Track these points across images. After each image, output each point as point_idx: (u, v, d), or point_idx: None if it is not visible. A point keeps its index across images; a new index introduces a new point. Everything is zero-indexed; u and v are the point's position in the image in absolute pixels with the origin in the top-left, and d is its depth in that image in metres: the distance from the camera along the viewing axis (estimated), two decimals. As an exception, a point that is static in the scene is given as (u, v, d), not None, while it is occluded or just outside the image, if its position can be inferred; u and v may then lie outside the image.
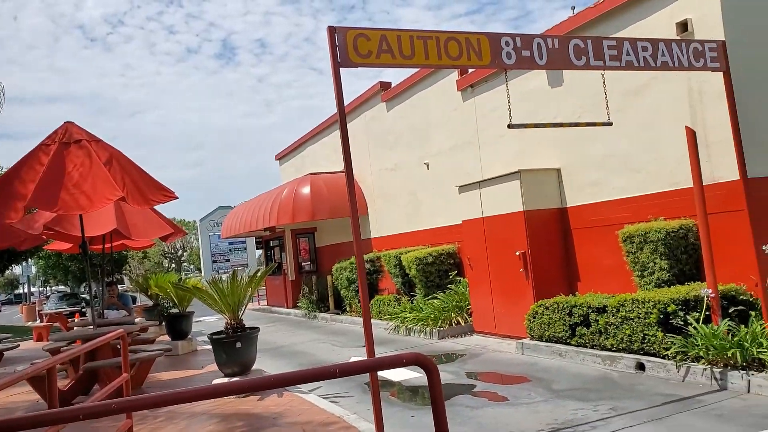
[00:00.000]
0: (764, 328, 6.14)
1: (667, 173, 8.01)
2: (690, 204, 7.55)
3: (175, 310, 12.58)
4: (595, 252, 9.12)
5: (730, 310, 6.57)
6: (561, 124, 7.01)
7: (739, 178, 6.69)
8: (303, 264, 20.00)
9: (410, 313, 11.64)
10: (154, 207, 9.69)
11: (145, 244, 14.96)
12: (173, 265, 58.19)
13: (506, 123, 10.54)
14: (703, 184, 7.38)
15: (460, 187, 10.93)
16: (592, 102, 9.10)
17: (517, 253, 9.42)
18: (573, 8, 10.23)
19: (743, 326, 6.31)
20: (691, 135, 6.62)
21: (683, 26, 7.58)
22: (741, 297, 6.75)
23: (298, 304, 18.40)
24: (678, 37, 7.57)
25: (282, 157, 23.05)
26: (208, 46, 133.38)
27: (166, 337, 12.36)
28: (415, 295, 12.71)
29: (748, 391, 5.62)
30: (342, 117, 5.17)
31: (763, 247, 6.63)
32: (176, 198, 7.76)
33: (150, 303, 15.03)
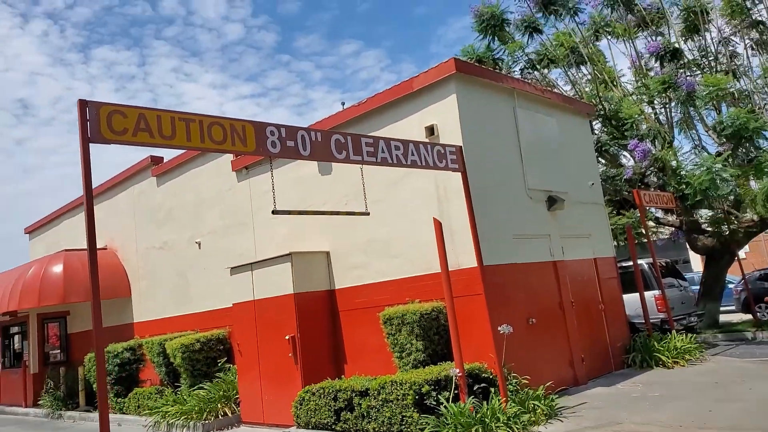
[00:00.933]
0: (501, 404, 6.79)
1: (422, 259, 8.70)
2: (441, 287, 8.26)
3: None
4: (361, 333, 9.39)
5: (475, 388, 7.17)
6: (323, 212, 7.30)
7: (476, 265, 7.49)
8: (51, 353, 17.19)
9: (172, 406, 10.59)
10: None
11: None
12: None
13: (281, 206, 10.74)
14: (450, 269, 8.21)
15: (232, 268, 10.57)
16: (356, 191, 9.63)
17: (287, 337, 9.27)
18: (343, 104, 10.97)
19: (486, 402, 6.92)
20: (438, 226, 7.32)
21: (431, 130, 8.57)
22: (483, 375, 7.44)
23: (40, 402, 15.61)
24: (427, 140, 8.51)
25: (33, 230, 20.10)
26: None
27: None
28: (180, 386, 11.65)
29: (488, 465, 6.07)
30: (89, 196, 4.75)
31: (498, 328, 7.45)
32: None
33: None
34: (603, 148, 14.67)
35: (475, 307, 7.92)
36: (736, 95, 14.95)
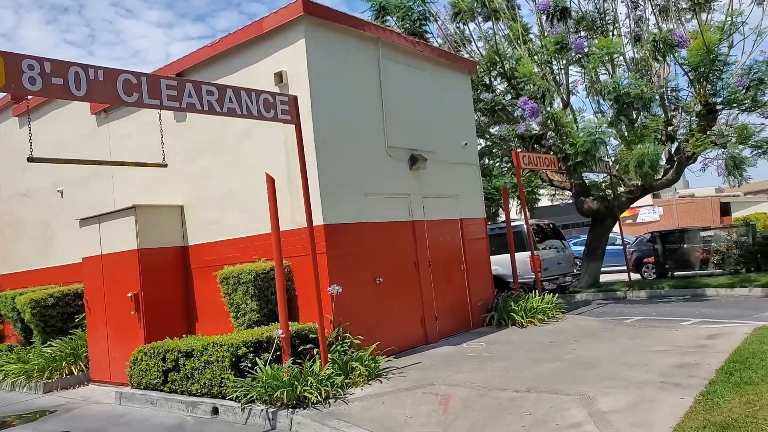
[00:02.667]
0: (320, 365, 6.58)
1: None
2: (289, 245, 7.91)
3: None
4: (211, 292, 8.96)
5: (300, 348, 6.94)
6: (99, 162, 6.72)
7: (306, 224, 7.08)
8: None
9: (15, 364, 9.97)
10: None
11: None
12: None
13: (139, 153, 10.03)
14: (294, 227, 7.87)
15: (81, 220, 9.88)
16: (212, 140, 9.10)
17: (129, 295, 8.77)
18: (212, 44, 10.17)
19: (308, 363, 6.70)
20: (271, 181, 6.90)
21: (279, 77, 8.03)
22: (312, 335, 7.20)
23: None
24: (276, 87, 8.00)
25: None
26: None
27: None
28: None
29: (290, 429, 5.88)
30: None
31: (328, 289, 7.21)
32: None
33: None
34: (497, 107, 14.48)
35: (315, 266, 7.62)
36: (637, 61, 14.97)
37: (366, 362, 6.87)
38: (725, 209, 44.11)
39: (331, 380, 6.35)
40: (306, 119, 7.71)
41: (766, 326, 7.83)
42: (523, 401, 5.57)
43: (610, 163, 14.92)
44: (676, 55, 12.63)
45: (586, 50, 13.46)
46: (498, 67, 14.85)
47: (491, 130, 16.68)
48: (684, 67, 12.90)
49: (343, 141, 8.27)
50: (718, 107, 13.19)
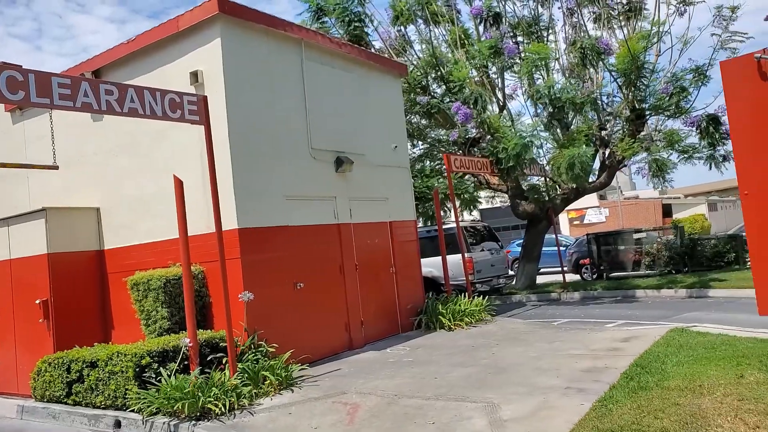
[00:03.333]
0: (228, 375, 6.37)
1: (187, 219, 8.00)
2: (204, 250, 7.66)
3: None
4: (127, 298, 8.61)
5: (209, 358, 6.71)
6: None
7: (214, 229, 6.83)
8: None
9: None
10: None
11: None
12: None
13: (55, 153, 9.56)
14: (207, 232, 7.62)
15: (-12, 223, 9.34)
16: (129, 142, 8.76)
17: (37, 302, 8.33)
18: (128, 41, 9.80)
19: (217, 373, 6.47)
20: (179, 184, 6.65)
21: (195, 77, 7.76)
22: (223, 344, 6.96)
23: None
24: (192, 87, 7.73)
25: None
26: None
27: None
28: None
29: (190, 444, 5.67)
30: None
31: (239, 296, 7.00)
32: None
33: None
34: (433, 111, 14.48)
35: (230, 272, 7.39)
36: (573, 66, 15.19)
37: (278, 371, 6.68)
38: (667, 211, 45.65)
39: (237, 390, 6.15)
40: (221, 120, 7.50)
41: (677, 328, 8.03)
42: (430, 409, 5.51)
43: (545, 166, 15.15)
44: (604, 61, 12.90)
45: (520, 54, 13.62)
46: (435, 70, 14.86)
47: (431, 133, 16.71)
48: (613, 73, 13.20)
49: (262, 142, 8.07)
50: (646, 113, 13.56)
